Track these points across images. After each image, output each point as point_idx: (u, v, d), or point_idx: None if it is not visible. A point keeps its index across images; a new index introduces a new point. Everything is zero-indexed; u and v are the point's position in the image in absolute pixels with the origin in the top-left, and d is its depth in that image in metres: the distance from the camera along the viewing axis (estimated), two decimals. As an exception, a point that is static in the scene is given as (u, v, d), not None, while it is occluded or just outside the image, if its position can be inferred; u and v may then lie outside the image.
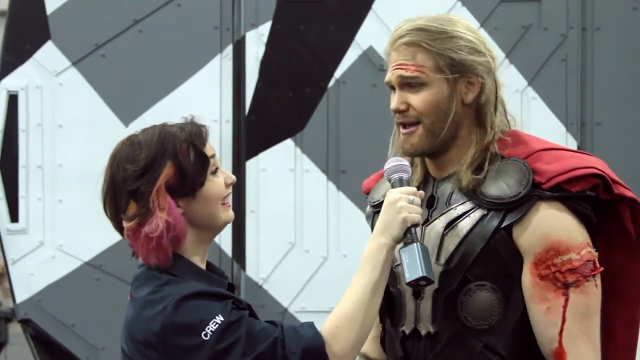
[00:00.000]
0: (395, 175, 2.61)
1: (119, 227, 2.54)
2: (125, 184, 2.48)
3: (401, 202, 2.53)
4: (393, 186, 2.60)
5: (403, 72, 2.63)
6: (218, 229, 2.58)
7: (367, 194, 2.92)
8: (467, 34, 2.65)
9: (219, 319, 2.41)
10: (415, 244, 2.52)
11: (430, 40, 2.62)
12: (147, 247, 2.47)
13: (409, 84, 2.64)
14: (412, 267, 2.50)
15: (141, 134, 2.54)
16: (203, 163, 2.52)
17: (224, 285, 2.56)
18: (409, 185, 2.61)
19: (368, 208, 2.88)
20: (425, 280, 2.51)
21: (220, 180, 2.55)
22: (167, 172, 2.47)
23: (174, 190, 2.48)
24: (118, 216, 2.51)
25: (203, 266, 2.57)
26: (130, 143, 2.52)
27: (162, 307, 2.42)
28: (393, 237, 2.53)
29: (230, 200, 2.60)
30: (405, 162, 2.63)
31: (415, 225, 2.54)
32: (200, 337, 2.40)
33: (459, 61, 2.62)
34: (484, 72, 2.65)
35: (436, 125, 2.64)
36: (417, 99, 2.63)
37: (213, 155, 2.55)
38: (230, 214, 2.58)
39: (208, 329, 2.40)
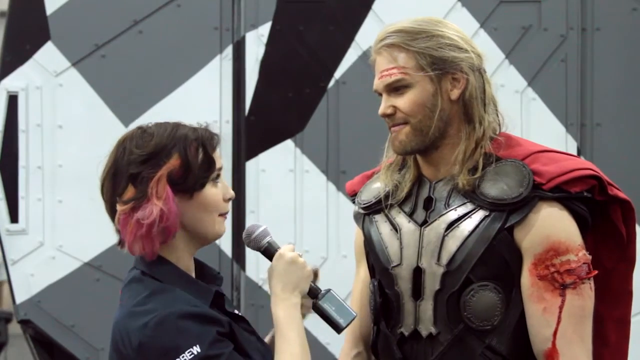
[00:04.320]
0: (267, 239, 2.59)
1: (112, 211, 2.50)
2: (129, 167, 2.46)
3: (299, 258, 2.54)
4: (270, 249, 2.57)
5: (387, 79, 2.70)
6: (207, 237, 2.54)
7: (352, 195, 2.93)
8: (449, 33, 2.69)
9: (196, 349, 2.36)
10: (331, 291, 2.57)
11: (410, 40, 2.67)
12: (135, 234, 2.45)
13: (395, 88, 2.69)
14: (342, 312, 2.55)
15: (154, 125, 2.53)
16: (209, 166, 2.51)
17: (211, 294, 2.51)
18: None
19: (356, 208, 2.89)
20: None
21: (218, 192, 2.53)
22: (172, 162, 2.46)
23: (175, 184, 2.47)
24: (113, 198, 2.49)
25: (191, 274, 2.55)
26: (141, 131, 2.52)
27: (143, 322, 2.40)
28: (303, 294, 2.54)
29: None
30: (261, 225, 2.61)
31: (315, 274, 2.59)
32: None
33: (439, 58, 2.66)
34: (467, 67, 2.67)
35: (424, 124, 2.67)
36: (403, 101, 2.68)
37: (220, 168, 2.54)
38: (223, 227, 2.55)
39: (182, 357, 2.35)
